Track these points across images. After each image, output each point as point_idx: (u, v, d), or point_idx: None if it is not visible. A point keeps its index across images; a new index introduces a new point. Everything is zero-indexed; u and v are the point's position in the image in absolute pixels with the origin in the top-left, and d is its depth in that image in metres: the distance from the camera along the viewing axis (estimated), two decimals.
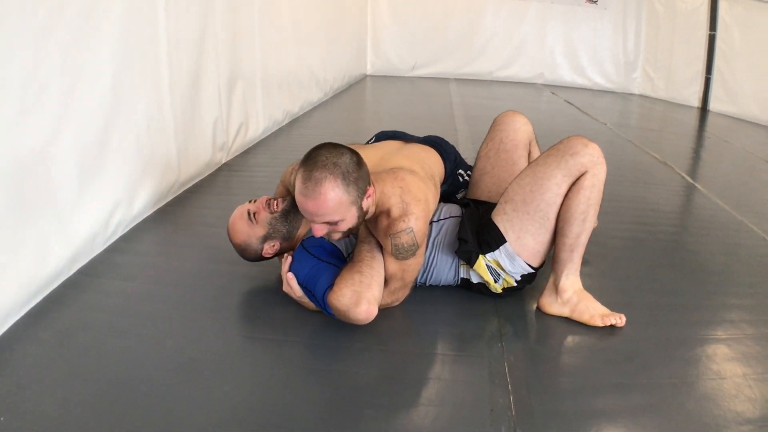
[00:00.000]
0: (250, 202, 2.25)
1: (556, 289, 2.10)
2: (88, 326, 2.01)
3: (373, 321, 1.93)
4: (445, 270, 2.24)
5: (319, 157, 1.80)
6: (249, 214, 2.18)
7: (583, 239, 2.05)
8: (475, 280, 2.21)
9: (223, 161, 4.01)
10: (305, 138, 5.16)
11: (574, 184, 2.01)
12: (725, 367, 1.87)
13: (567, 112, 7.41)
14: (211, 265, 2.46)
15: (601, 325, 2.04)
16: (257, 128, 4.73)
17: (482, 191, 2.50)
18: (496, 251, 2.10)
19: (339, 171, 1.79)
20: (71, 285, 2.27)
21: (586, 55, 9.78)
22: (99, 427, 1.54)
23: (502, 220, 2.10)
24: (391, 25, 10.08)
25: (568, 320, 2.10)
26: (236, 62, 4.21)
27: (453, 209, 2.32)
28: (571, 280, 2.09)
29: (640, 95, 9.37)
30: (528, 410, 1.63)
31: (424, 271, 2.23)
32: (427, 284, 2.28)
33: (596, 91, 9.56)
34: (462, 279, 2.24)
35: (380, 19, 10.04)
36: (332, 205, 1.80)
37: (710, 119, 7.50)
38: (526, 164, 2.39)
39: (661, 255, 2.76)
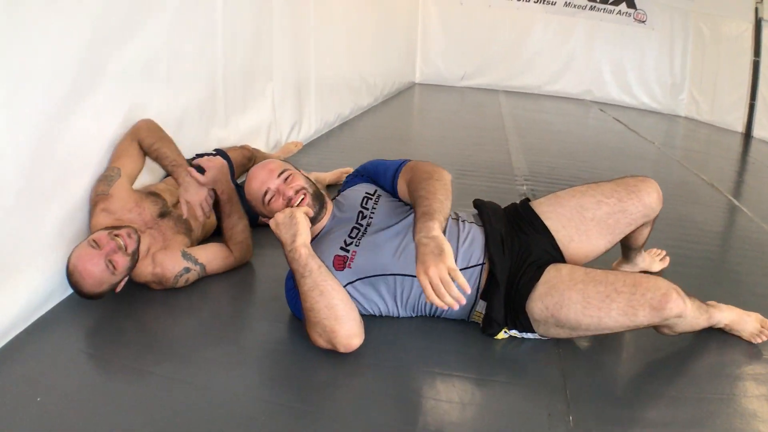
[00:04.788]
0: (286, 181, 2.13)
1: None
2: (129, 312, 2.12)
3: (432, 325, 2.07)
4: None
5: None
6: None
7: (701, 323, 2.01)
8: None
9: None
10: (355, 140, 5.28)
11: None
12: None
13: (615, 130, 7.42)
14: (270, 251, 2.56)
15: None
16: (309, 129, 4.85)
17: (558, 215, 2.14)
18: (523, 333, 2.00)
19: None
20: None
21: (633, 74, 9.72)
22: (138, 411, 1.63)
23: (537, 322, 1.94)
24: (441, 35, 10.15)
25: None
26: (291, 63, 4.35)
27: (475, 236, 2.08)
28: (717, 318, 2.09)
29: (686, 117, 9.29)
30: (585, 416, 1.68)
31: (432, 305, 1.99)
32: (436, 315, 2.12)
33: (642, 110, 9.51)
34: (472, 321, 2.09)
35: (430, 28, 10.13)
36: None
37: (753, 145, 7.45)
38: (618, 240, 2.19)
39: (706, 274, 2.77)
